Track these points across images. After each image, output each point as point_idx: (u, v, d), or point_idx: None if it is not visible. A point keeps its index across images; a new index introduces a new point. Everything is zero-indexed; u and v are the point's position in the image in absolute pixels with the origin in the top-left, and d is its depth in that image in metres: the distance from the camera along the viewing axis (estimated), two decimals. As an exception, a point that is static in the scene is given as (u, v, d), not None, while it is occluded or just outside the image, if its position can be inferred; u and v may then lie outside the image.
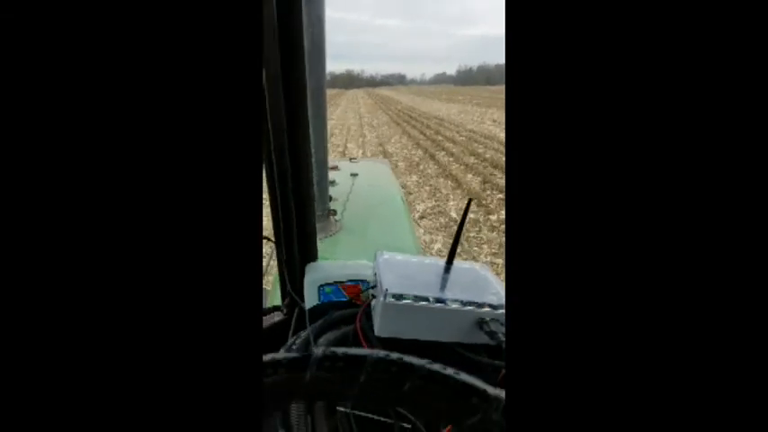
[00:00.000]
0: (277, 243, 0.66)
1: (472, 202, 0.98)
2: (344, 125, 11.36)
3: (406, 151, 7.34)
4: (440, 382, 0.31)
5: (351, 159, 2.31)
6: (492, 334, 0.46)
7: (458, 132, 9.35)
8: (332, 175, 1.56)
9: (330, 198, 1.30)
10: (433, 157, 6.68)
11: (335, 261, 0.73)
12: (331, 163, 1.73)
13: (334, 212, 1.27)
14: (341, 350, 0.31)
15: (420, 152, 7.20)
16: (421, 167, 6.04)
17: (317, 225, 0.78)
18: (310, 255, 0.69)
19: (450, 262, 0.58)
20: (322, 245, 0.75)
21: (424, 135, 9.11)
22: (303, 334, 0.51)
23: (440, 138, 8.53)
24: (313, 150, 0.73)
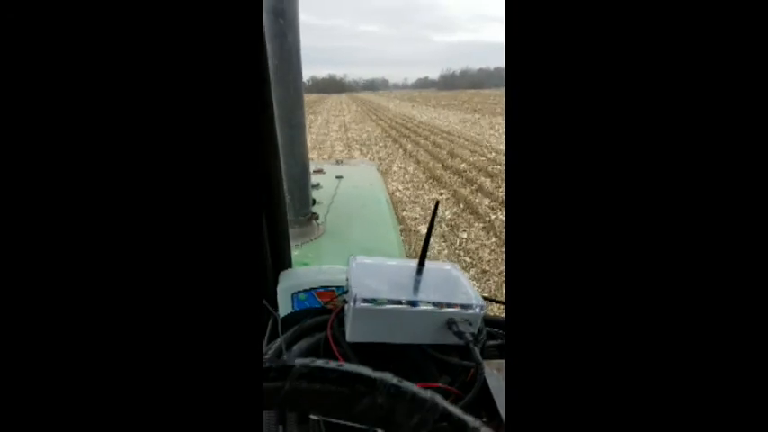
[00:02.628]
0: None
1: None
2: (326, 142, 8.76)
3: (424, 194, 4.77)
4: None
5: (337, 162, 2.40)
6: (460, 334, 0.46)
7: (480, 154, 6.87)
8: (316, 178, 1.65)
9: (314, 202, 1.29)
10: (470, 206, 4.13)
11: (310, 267, 0.74)
12: (316, 166, 1.89)
13: (317, 217, 1.26)
14: (320, 363, 0.31)
15: (445, 194, 4.67)
16: (465, 239, 3.47)
17: (299, 230, 1.07)
18: (284, 262, 0.69)
19: (421, 263, 0.57)
20: (303, 250, 0.93)
21: (436, 159, 6.61)
22: (275, 343, 0.51)
23: (461, 165, 6.02)
24: (291, 155, 0.96)
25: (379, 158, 6.79)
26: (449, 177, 5.40)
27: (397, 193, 4.65)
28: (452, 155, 6.90)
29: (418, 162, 6.49)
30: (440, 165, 6.17)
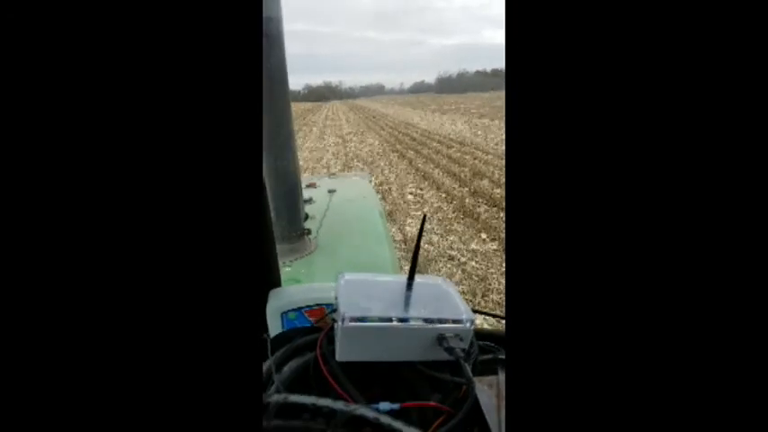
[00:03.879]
0: None
1: None
2: (323, 159, 7.47)
3: (459, 242, 3.46)
4: None
5: (330, 175, 2.46)
6: (450, 350, 0.45)
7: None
8: (309, 193, 1.61)
9: (306, 216, 1.29)
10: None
11: (300, 285, 0.73)
12: (308, 180, 1.88)
13: (309, 232, 1.24)
14: (297, 399, 0.31)
15: (489, 241, 3.36)
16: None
17: (291, 246, 1.04)
18: (273, 281, 0.68)
19: (411, 278, 0.56)
20: (295, 266, 0.88)
21: (458, 180, 5.32)
22: (265, 365, 0.50)
23: (494, 190, 4.70)
24: (280, 170, 0.94)
25: (387, 183, 5.50)
26: (485, 211, 4.09)
27: (424, 244, 3.24)
28: (477, 173, 5.61)
29: (436, 185, 5.20)
30: (465, 189, 4.88)
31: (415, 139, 9.74)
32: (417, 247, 0.55)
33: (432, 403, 0.44)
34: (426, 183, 5.43)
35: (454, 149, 7.95)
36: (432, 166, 6.49)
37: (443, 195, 4.74)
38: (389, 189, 5.10)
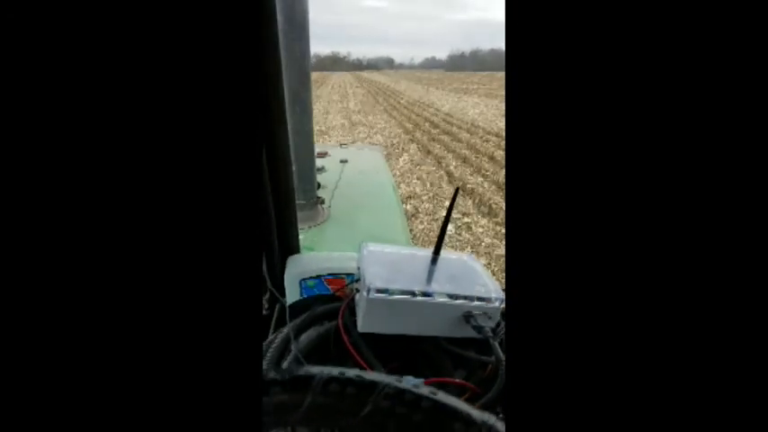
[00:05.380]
0: None
1: None
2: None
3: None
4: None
5: (341, 145, 2.33)
6: (479, 328, 0.44)
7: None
8: (321, 161, 1.59)
9: (318, 185, 1.27)
10: None
11: (319, 253, 0.73)
12: (320, 148, 1.85)
13: (322, 201, 1.22)
14: (352, 373, 0.29)
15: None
16: None
17: (304, 214, 1.01)
18: (291, 247, 0.67)
19: (437, 252, 0.55)
20: (308, 234, 0.88)
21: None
22: (283, 331, 0.48)
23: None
24: (297, 136, 0.89)
25: (416, 197, 3.79)
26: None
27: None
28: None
29: (487, 207, 3.50)
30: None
31: (438, 126, 7.93)
32: (447, 221, 0.54)
33: (458, 380, 0.43)
34: (472, 201, 3.74)
35: (492, 143, 6.20)
36: (469, 169, 4.77)
37: (501, 229, 3.07)
38: (417, 213, 3.41)
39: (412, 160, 5.28)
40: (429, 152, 5.70)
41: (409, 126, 8.06)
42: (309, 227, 1.07)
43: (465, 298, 0.46)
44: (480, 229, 3.12)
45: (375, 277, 0.46)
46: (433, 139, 6.60)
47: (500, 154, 5.40)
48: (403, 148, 5.97)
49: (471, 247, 2.81)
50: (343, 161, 1.73)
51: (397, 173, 4.57)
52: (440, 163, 5.07)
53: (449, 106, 11.77)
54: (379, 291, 0.44)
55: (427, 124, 8.26)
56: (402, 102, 13.20)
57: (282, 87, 0.53)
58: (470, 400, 0.37)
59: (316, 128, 5.99)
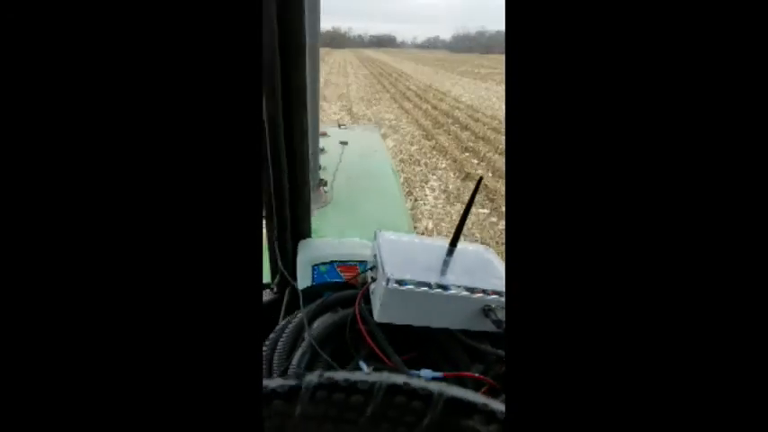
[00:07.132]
0: (268, 217, 0.62)
1: None
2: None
3: None
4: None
5: (339, 125, 2.41)
6: (498, 322, 0.44)
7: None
8: (321, 141, 1.50)
9: (319, 167, 1.24)
10: None
11: (330, 238, 0.71)
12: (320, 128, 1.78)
13: (324, 183, 1.19)
14: (340, 376, 0.29)
15: None
16: None
17: None
18: (303, 231, 0.66)
19: (453, 244, 0.55)
20: (313, 219, 0.77)
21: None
22: (297, 317, 0.49)
23: None
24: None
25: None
26: None
27: None
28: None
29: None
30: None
31: (467, 128, 6.32)
32: (467, 212, 0.53)
33: (477, 375, 0.44)
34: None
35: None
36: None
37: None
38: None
39: (447, 189, 3.66)
40: (464, 173, 4.08)
41: (427, 123, 6.48)
42: (312, 210, 0.97)
43: (483, 291, 0.47)
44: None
45: (393, 267, 0.47)
46: (467, 150, 4.98)
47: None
48: (426, 164, 4.32)
49: None
50: (343, 143, 1.74)
51: (429, 226, 2.96)
52: (489, 198, 3.42)
53: (468, 96, 10.18)
54: (397, 281, 0.45)
55: (449, 121, 6.66)
56: (411, 87, 11.49)
57: (304, 61, 0.51)
58: (494, 394, 0.36)
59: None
